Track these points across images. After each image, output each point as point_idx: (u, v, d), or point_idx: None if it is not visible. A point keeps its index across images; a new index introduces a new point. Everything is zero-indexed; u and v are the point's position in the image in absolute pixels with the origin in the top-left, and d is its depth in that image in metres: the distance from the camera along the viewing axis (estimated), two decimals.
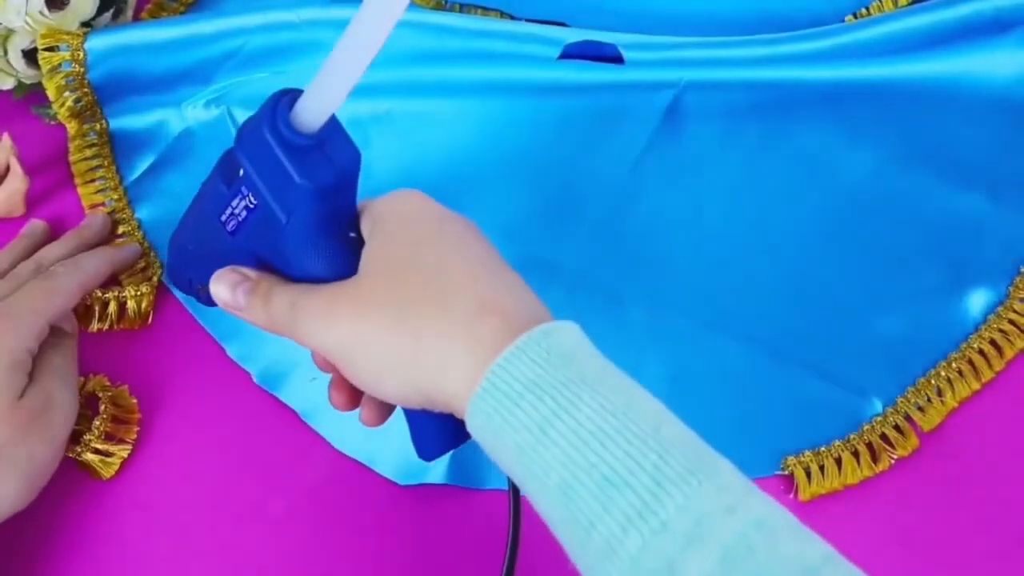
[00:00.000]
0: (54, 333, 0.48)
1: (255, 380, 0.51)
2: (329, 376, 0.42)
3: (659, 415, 0.32)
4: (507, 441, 0.32)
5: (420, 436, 0.40)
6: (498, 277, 0.36)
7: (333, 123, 0.37)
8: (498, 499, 0.48)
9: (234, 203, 0.39)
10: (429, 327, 0.34)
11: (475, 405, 0.33)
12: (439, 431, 0.38)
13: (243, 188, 0.38)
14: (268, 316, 0.38)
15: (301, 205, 0.37)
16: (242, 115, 0.59)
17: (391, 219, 0.38)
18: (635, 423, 0.31)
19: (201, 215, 0.42)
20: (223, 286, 0.39)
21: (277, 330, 0.38)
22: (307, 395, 0.50)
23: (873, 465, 0.48)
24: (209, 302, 0.41)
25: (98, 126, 0.59)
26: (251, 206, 0.38)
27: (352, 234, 0.39)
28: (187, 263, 0.44)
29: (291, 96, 0.36)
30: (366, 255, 0.37)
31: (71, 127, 0.59)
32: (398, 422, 0.41)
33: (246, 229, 0.39)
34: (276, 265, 0.39)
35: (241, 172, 0.38)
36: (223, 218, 0.40)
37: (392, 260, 0.36)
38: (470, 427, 0.34)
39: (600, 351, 0.34)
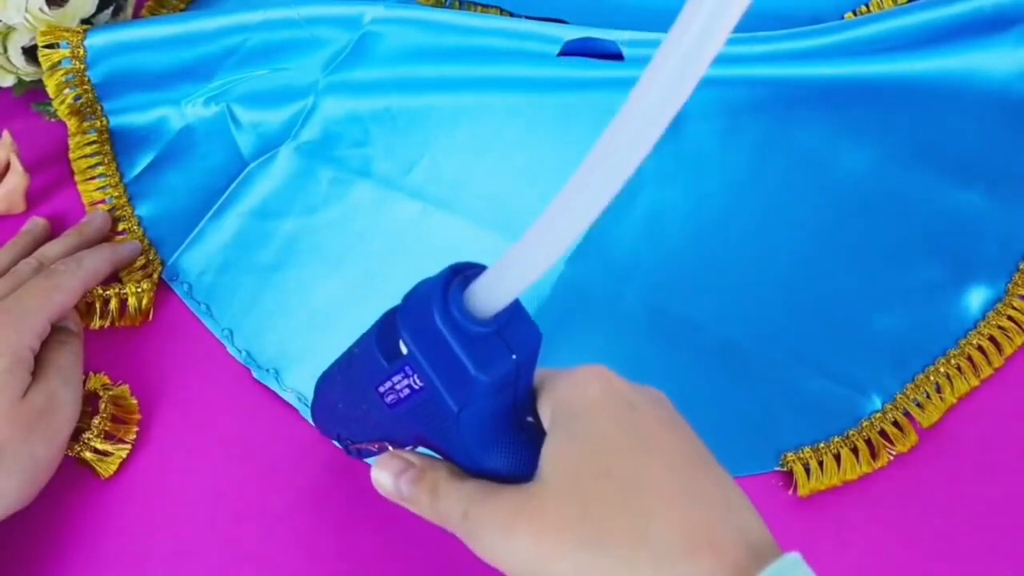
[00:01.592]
0: (59, 332, 0.48)
1: (255, 376, 0.51)
2: None
3: None
4: None
5: None
6: (703, 486, 0.32)
7: (513, 303, 0.32)
8: None
9: (395, 379, 0.35)
10: (626, 558, 0.30)
11: None
12: None
13: (407, 368, 0.34)
14: (436, 514, 0.35)
15: (476, 398, 0.33)
16: (242, 112, 0.59)
17: (574, 409, 0.33)
18: None
19: (355, 379, 0.38)
20: (385, 474, 0.37)
21: (447, 529, 0.35)
22: (308, 391, 0.50)
23: (872, 461, 0.48)
24: (359, 456, 0.39)
25: (98, 123, 0.59)
26: (415, 387, 0.34)
27: (529, 418, 0.35)
28: (337, 418, 0.42)
29: (465, 275, 0.32)
30: (547, 454, 0.33)
31: (71, 124, 0.59)
32: None
33: (408, 407, 0.35)
34: (440, 446, 0.36)
35: (405, 350, 0.33)
36: (381, 390, 0.36)
37: (578, 464, 0.32)
38: None
39: None
